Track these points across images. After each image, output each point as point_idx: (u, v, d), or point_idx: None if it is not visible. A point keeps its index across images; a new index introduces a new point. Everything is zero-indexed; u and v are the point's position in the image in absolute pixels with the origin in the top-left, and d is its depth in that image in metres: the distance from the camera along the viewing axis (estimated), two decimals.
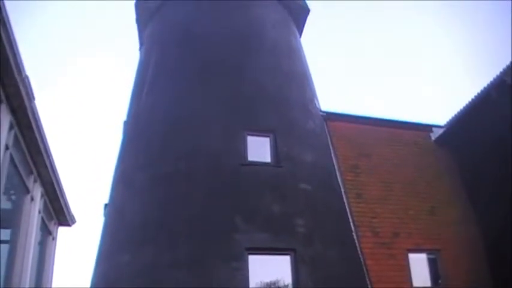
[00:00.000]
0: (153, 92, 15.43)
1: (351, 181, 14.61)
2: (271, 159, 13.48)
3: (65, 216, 12.76)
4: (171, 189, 12.61)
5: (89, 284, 12.73)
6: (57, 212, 12.47)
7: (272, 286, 11.48)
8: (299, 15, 19.67)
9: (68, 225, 13.46)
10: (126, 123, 16.19)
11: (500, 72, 15.48)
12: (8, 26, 6.89)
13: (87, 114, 45.69)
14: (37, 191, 10.76)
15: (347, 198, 14.04)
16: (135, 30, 20.00)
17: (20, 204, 10.18)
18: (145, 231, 12.02)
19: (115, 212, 13.59)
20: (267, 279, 11.46)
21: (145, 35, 19.12)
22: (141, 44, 19.68)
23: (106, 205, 15.05)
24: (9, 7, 6.73)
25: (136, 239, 12.00)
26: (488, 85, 15.66)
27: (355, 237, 13.26)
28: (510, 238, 13.81)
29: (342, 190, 14.12)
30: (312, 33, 29.42)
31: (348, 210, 13.75)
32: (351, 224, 13.50)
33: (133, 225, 12.40)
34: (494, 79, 15.52)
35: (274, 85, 15.14)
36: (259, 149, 13.51)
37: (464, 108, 16.61)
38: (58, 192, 11.55)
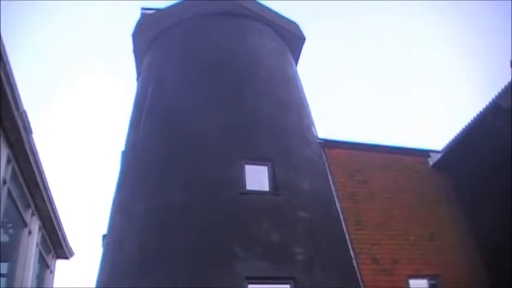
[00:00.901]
0: (151, 122, 15.48)
1: (350, 208, 14.58)
2: (269, 187, 13.46)
3: (63, 249, 12.74)
4: (169, 218, 12.56)
5: None
6: (55, 245, 12.45)
7: None
8: (295, 43, 19.85)
9: (66, 258, 13.44)
10: (124, 153, 16.21)
11: (496, 96, 15.58)
12: (6, 61, 6.96)
13: (85, 144, 45.78)
14: (35, 225, 10.75)
15: (346, 225, 13.99)
16: (132, 61, 20.13)
17: (18, 238, 10.17)
18: (144, 262, 11.94)
19: (113, 242, 13.53)
20: None
21: (142, 66, 19.24)
22: (139, 74, 19.80)
23: (104, 236, 15.00)
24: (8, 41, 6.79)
25: (135, 269, 11.92)
26: (483, 109, 15.75)
27: (355, 264, 13.19)
28: (511, 263, 13.76)
29: (341, 217, 14.09)
30: (308, 59, 29.68)
31: (347, 237, 13.70)
32: (351, 251, 13.43)
33: (131, 255, 12.32)
34: (490, 103, 15.60)
35: (272, 113, 15.20)
36: (257, 178, 13.49)
37: (460, 132, 16.67)
38: (56, 225, 11.55)
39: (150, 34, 18.98)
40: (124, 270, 12.22)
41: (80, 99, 46.47)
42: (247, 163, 13.61)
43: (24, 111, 7.98)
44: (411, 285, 13.66)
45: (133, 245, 12.51)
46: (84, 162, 45.57)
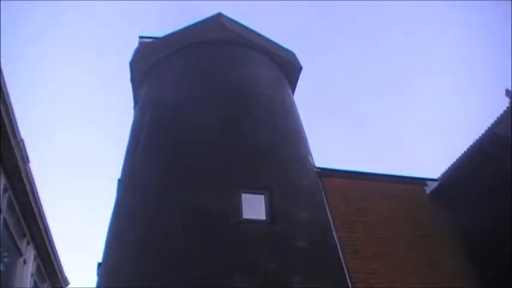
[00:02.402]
0: (148, 151, 15.47)
1: (347, 237, 14.48)
2: (266, 216, 13.40)
3: (58, 279, 12.64)
4: (166, 248, 12.46)
5: None
6: (50, 275, 12.36)
7: None
8: (292, 72, 19.97)
9: (61, 287, 13.30)
10: (120, 181, 16.14)
11: (492, 124, 15.64)
12: (4, 90, 6.96)
13: (81, 171, 45.65)
14: (30, 254, 10.69)
15: (343, 254, 13.90)
16: (130, 89, 20.18)
17: (13, 267, 10.09)
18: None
19: (109, 271, 13.39)
20: None
21: (140, 94, 19.29)
22: (136, 102, 19.84)
23: (100, 264, 14.86)
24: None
25: None
26: (480, 137, 15.79)
27: None
28: None
29: (338, 246, 14.00)
30: (304, 87, 29.80)
31: (344, 266, 13.60)
32: (348, 280, 13.33)
33: (127, 285, 12.19)
34: (486, 131, 15.65)
35: (269, 142, 15.23)
36: (254, 207, 13.45)
37: (457, 160, 16.69)
38: (51, 255, 11.48)
39: (147, 63, 19.07)
40: None
41: (77, 128, 46.52)
42: (244, 192, 13.57)
43: (22, 140, 7.97)
44: None
45: (129, 275, 12.38)
46: (80, 190, 45.40)
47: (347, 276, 13.40)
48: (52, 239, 11.09)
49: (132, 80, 19.71)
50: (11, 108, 7.31)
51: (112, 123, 46.73)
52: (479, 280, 14.91)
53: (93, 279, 14.79)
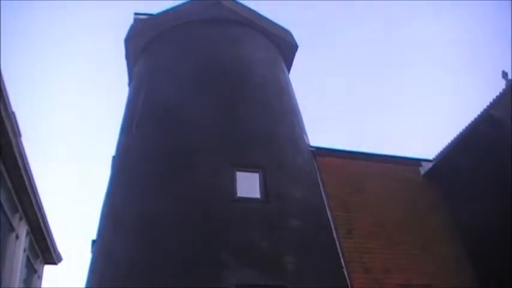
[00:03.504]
0: (142, 128, 15.38)
1: (341, 217, 14.48)
2: (261, 195, 13.37)
3: (51, 255, 12.61)
4: (160, 226, 12.43)
5: None
6: (43, 251, 12.32)
7: None
8: (288, 51, 19.84)
9: (54, 263, 13.27)
10: (114, 158, 16.06)
11: (488, 106, 15.61)
12: None
13: (76, 148, 45.55)
14: (22, 230, 10.63)
15: (337, 234, 13.89)
16: (124, 65, 20.03)
17: (5, 242, 10.05)
18: (133, 270, 11.79)
19: (103, 249, 13.37)
20: None
21: (134, 71, 19.15)
22: (131, 79, 19.70)
23: (94, 241, 14.83)
24: None
25: (124, 278, 11.76)
26: (475, 119, 15.76)
27: (345, 273, 13.09)
28: (502, 273, 13.74)
29: (332, 226, 13.99)
30: (300, 67, 29.67)
31: (338, 246, 13.60)
32: (341, 260, 13.34)
33: (120, 263, 12.17)
34: (482, 112, 15.63)
35: (264, 121, 15.16)
36: (248, 185, 13.41)
37: (452, 142, 16.68)
38: (44, 230, 11.43)
39: (142, 40, 18.91)
40: (113, 279, 12.05)
41: (71, 103, 46.34)
42: (238, 170, 13.53)
43: (13, 113, 7.87)
44: None
45: (123, 252, 12.37)
46: (74, 166, 45.29)
47: (340, 255, 13.41)
48: (45, 214, 11.05)
49: (127, 56, 19.56)
50: (2, 80, 7.22)
51: (107, 99, 46.50)
52: (472, 262, 14.98)
53: (87, 256, 14.77)
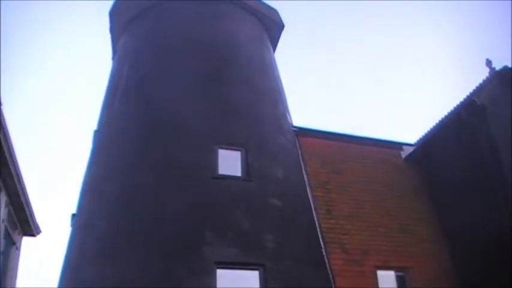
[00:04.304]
0: (125, 103, 15.27)
1: (322, 197, 14.57)
2: (242, 173, 13.38)
3: (30, 227, 12.53)
4: (140, 200, 12.40)
5: None
6: (22, 222, 12.25)
7: None
8: (273, 30, 19.75)
9: (33, 235, 13.20)
10: (96, 132, 15.95)
11: (470, 93, 15.75)
12: None
13: (57, 121, 45.17)
14: (1, 200, 10.53)
15: (317, 214, 13.98)
16: (108, 40, 19.81)
17: None
18: (113, 244, 11.78)
19: (83, 223, 13.31)
20: None
21: (119, 45, 18.95)
22: (114, 53, 19.51)
23: (73, 215, 14.76)
24: None
25: (104, 252, 11.75)
26: (458, 105, 15.89)
27: (324, 253, 13.20)
28: (479, 256, 13.94)
29: (312, 206, 14.07)
30: (285, 47, 29.58)
31: (317, 226, 13.69)
32: (321, 240, 13.44)
33: (100, 237, 12.14)
34: (465, 99, 15.76)
35: (247, 99, 15.11)
36: (230, 163, 13.40)
37: (434, 127, 16.81)
38: (23, 202, 11.35)
39: (127, 14, 18.66)
40: (93, 252, 12.03)
41: (53, 75, 45.82)
42: (220, 147, 13.51)
43: None
44: (379, 276, 13.74)
45: (103, 226, 12.32)
46: (55, 139, 44.96)
47: (319, 235, 13.51)
48: (24, 186, 10.96)
49: (112, 30, 19.32)
50: None
51: (89, 73, 46.08)
52: (449, 245, 15.17)
53: (67, 230, 14.71)
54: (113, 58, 19.47)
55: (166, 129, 13.77)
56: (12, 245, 12.31)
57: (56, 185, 43.77)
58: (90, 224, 12.84)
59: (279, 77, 18.00)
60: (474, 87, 15.93)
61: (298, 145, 15.44)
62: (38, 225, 12.92)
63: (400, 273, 14.21)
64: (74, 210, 14.76)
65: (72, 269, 12.36)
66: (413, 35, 47.67)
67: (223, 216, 12.20)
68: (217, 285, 11.03)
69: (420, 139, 17.38)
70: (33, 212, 12.18)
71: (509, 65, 15.32)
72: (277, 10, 20.10)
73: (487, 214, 13.99)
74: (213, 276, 11.10)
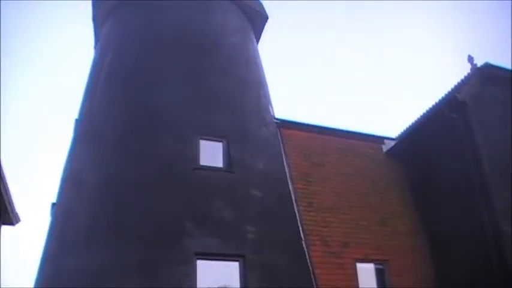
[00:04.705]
0: (107, 92, 15.15)
1: (303, 190, 14.62)
2: (224, 164, 13.37)
3: (9, 215, 12.41)
4: (121, 191, 12.33)
5: (32, 286, 12.33)
6: (1, 210, 12.11)
7: None
8: (257, 22, 19.69)
9: (12, 224, 13.09)
10: (77, 120, 15.83)
11: (452, 89, 15.88)
12: None
13: (37, 109, 44.76)
14: None
15: (298, 206, 14.02)
16: (91, 27, 19.64)
17: None
18: (92, 234, 11.71)
19: (62, 212, 13.23)
20: (215, 285, 11.33)
21: (101, 33, 18.79)
22: (97, 41, 19.35)
23: (53, 204, 14.67)
24: None
25: (83, 241, 11.68)
26: (440, 100, 16.01)
27: (304, 245, 13.25)
28: (458, 251, 14.09)
29: (293, 198, 14.11)
30: (269, 40, 29.57)
31: (298, 218, 13.73)
32: (301, 232, 13.48)
33: (80, 226, 12.07)
34: (446, 95, 15.90)
35: (230, 91, 15.07)
36: (212, 154, 13.38)
37: (416, 121, 16.94)
38: (2, 190, 11.23)
39: (109, 3, 18.50)
40: (72, 242, 11.95)
41: (33, 62, 45.38)
42: (202, 138, 13.47)
43: None
44: (358, 269, 13.85)
45: (82, 216, 12.25)
46: (35, 127, 44.56)
47: (300, 228, 13.55)
48: (3, 173, 10.85)
49: (94, 18, 19.15)
50: None
51: (71, 61, 45.70)
52: (429, 239, 15.31)
53: (46, 219, 14.60)
54: (95, 46, 19.32)
55: (148, 119, 13.69)
56: None
57: (38, 174, 43.50)
58: (70, 213, 12.77)
59: (262, 68, 17.96)
60: (456, 83, 16.10)
61: (280, 137, 15.45)
62: (17, 214, 12.81)
63: (380, 266, 14.33)
64: (54, 199, 14.68)
65: (51, 257, 12.29)
66: (399, 29, 47.87)
67: (204, 207, 12.18)
68: (197, 276, 11.04)
69: (402, 133, 17.49)
70: (12, 200, 12.07)
71: (492, 62, 15.50)
72: (261, 2, 20.06)
73: (466, 210, 14.14)
74: (193, 266, 11.10)
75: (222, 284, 11.43)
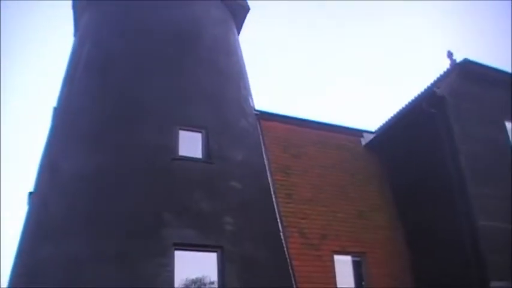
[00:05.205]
0: (86, 81, 14.99)
1: (281, 181, 14.67)
2: (203, 155, 13.34)
3: None
4: (99, 180, 12.23)
5: (7, 277, 12.21)
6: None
7: (198, 283, 11.35)
8: (239, 13, 19.62)
9: None
10: (55, 109, 15.66)
11: (431, 84, 16.00)
12: None
13: (14, 97, 44.20)
14: None
15: (276, 198, 14.06)
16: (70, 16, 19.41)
17: None
18: (70, 224, 11.59)
19: (39, 202, 13.07)
20: (193, 276, 11.32)
21: (81, 21, 18.58)
22: (76, 30, 19.14)
23: (31, 193, 14.51)
24: None
25: (61, 231, 11.55)
26: (419, 95, 16.15)
27: (282, 237, 13.29)
28: (434, 244, 14.24)
29: (272, 190, 14.14)
30: (250, 31, 29.50)
31: (277, 210, 13.76)
32: (279, 224, 13.52)
33: (57, 216, 11.94)
34: (425, 89, 16.04)
35: (210, 82, 15.01)
36: (191, 145, 13.34)
37: (394, 115, 17.07)
38: None
39: None
40: (49, 232, 11.83)
41: (8, 50, 44.72)
42: (181, 129, 13.42)
43: None
44: (336, 261, 13.95)
45: (60, 206, 12.11)
46: (12, 115, 44.04)
47: (278, 219, 13.59)
48: None
49: (74, 6, 18.94)
50: None
51: (50, 50, 45.15)
52: (406, 232, 15.46)
53: (23, 208, 14.44)
54: (75, 35, 19.11)
55: (126, 109, 13.59)
56: None
57: (14, 163, 42.98)
58: (47, 203, 12.64)
59: (242, 60, 17.92)
60: (435, 78, 16.23)
61: (259, 129, 15.46)
62: None
63: (357, 259, 14.45)
64: (31, 189, 14.51)
65: (27, 248, 12.17)
66: (381, 21, 48.05)
67: (183, 198, 12.15)
68: (175, 267, 11.02)
69: (381, 127, 17.61)
70: None
71: (471, 58, 15.65)
72: None
73: (443, 204, 14.27)
74: (171, 257, 11.08)
75: (200, 275, 11.43)
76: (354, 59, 49.83)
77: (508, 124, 15.73)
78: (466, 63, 15.64)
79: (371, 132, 17.71)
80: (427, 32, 48.29)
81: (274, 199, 13.98)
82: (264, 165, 14.60)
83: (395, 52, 49.48)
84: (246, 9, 19.81)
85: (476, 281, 12.79)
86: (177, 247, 11.24)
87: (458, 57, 15.94)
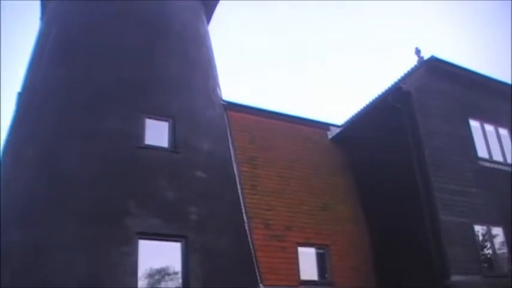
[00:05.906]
0: (52, 67, 14.74)
1: (247, 172, 14.67)
2: (169, 144, 13.27)
3: None
4: (62, 167, 12.06)
5: None
6: None
7: (162, 273, 11.32)
8: (209, 2, 19.51)
9: None
10: (20, 94, 15.39)
11: (398, 79, 16.17)
12: None
13: None
14: None
15: (242, 189, 14.07)
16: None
17: None
18: (31, 210, 11.42)
19: (3, 187, 12.83)
20: (157, 266, 11.30)
21: (49, 5, 18.25)
22: (43, 13, 18.81)
23: None
24: None
25: (22, 218, 11.39)
26: (386, 90, 16.30)
27: (247, 228, 13.31)
28: (396, 238, 14.42)
29: (238, 181, 14.13)
30: (220, 21, 29.38)
31: (242, 201, 13.77)
32: (244, 215, 13.54)
33: (19, 203, 11.76)
34: (392, 85, 16.19)
35: (178, 70, 14.92)
36: (157, 133, 13.25)
37: (361, 110, 17.22)
38: None
39: None
40: (11, 219, 11.63)
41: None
42: (148, 117, 13.32)
43: None
44: (300, 253, 14.01)
45: (23, 193, 11.92)
46: None
47: (243, 210, 13.61)
48: None
49: None
50: None
51: (14, 34, 44.29)
52: (369, 225, 15.61)
53: None
54: (41, 19, 18.78)
55: (92, 96, 13.42)
56: None
57: None
58: (7, 188, 12.42)
59: (211, 50, 17.83)
60: (402, 74, 16.39)
61: (226, 119, 15.43)
62: None
63: (321, 251, 14.53)
64: None
65: None
66: (352, 17, 48.28)
67: (148, 187, 12.09)
68: (139, 256, 10.97)
69: (347, 121, 17.74)
70: None
71: (439, 55, 15.85)
72: None
73: (407, 198, 14.43)
74: (135, 246, 11.03)
75: (164, 264, 11.42)
76: (326, 52, 50.05)
77: (471, 121, 16.00)
78: (433, 60, 15.82)
79: (338, 126, 17.84)
80: (399, 29, 48.72)
81: (239, 190, 13.98)
82: (230, 156, 14.60)
83: (368, 47, 49.78)
84: None
85: (437, 274, 12.98)
86: (141, 236, 11.19)
87: (426, 55, 16.10)
